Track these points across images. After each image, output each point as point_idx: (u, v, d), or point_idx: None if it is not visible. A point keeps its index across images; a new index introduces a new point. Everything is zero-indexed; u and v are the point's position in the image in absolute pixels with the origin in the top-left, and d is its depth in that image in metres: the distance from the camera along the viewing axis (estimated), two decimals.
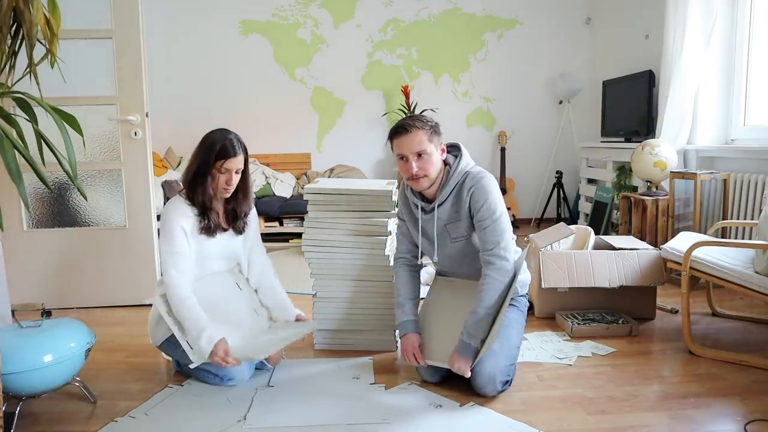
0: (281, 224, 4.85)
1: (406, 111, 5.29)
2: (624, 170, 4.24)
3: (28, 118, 1.83)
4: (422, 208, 2.06)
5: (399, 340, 2.35)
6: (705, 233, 3.21)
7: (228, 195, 2.06)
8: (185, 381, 2.08)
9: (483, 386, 1.88)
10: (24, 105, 1.82)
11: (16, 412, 1.75)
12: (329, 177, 5.11)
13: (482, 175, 1.98)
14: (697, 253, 2.28)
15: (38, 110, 1.85)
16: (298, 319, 2.23)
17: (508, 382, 1.94)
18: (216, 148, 1.97)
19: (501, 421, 1.76)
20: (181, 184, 2.07)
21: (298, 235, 4.59)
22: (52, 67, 1.88)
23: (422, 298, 2.21)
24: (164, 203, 4.14)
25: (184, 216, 1.99)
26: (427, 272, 3.43)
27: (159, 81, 5.03)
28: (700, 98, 3.59)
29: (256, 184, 5.06)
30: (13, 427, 1.72)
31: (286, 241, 4.80)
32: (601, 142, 4.79)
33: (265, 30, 5.39)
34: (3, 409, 1.63)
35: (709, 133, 3.63)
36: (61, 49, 1.98)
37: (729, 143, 3.59)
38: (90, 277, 3.02)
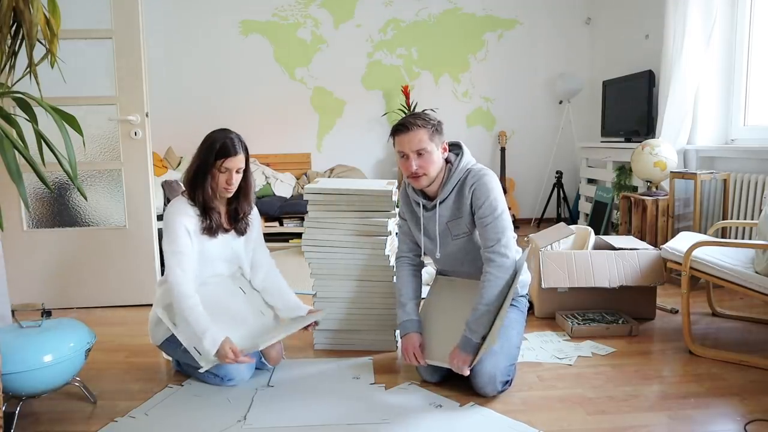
0: (281, 224, 4.85)
1: (406, 111, 5.29)
2: (624, 170, 4.24)
3: (28, 118, 1.83)
4: (424, 206, 2.07)
5: (399, 340, 2.36)
6: (705, 233, 3.21)
7: (229, 195, 2.05)
8: (185, 381, 2.08)
9: (483, 386, 1.88)
10: (24, 105, 1.82)
11: (16, 412, 1.75)
12: (329, 177, 5.11)
13: (484, 173, 1.98)
14: (697, 253, 2.28)
15: (38, 110, 1.85)
16: (310, 313, 2.22)
17: (508, 383, 1.94)
18: (216, 147, 1.96)
19: (501, 421, 1.76)
20: (182, 185, 2.07)
21: (298, 235, 4.59)
22: (52, 67, 1.88)
23: (423, 298, 2.21)
24: (164, 203, 4.16)
25: (186, 215, 1.98)
26: (427, 272, 3.43)
27: (159, 81, 5.03)
28: (700, 98, 3.59)
29: (256, 184, 5.06)
30: (13, 427, 1.72)
31: (286, 241, 4.80)
32: (601, 142, 4.79)
33: (265, 30, 5.39)
34: (3, 409, 1.63)
35: (709, 133, 3.63)
36: (61, 49, 1.98)
37: (729, 143, 3.59)
38: (90, 277, 3.02)
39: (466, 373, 1.87)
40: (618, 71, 4.68)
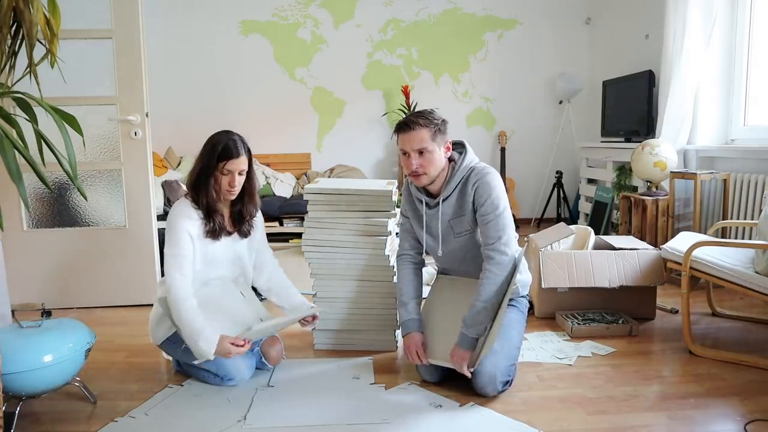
0: (281, 224, 4.85)
1: (406, 111, 5.29)
2: (624, 170, 4.24)
3: (28, 118, 1.83)
4: (426, 204, 2.07)
5: (399, 340, 2.36)
6: (705, 233, 3.21)
7: (232, 197, 2.04)
8: (185, 381, 2.08)
9: (483, 386, 1.88)
10: (24, 105, 1.82)
11: (16, 412, 1.75)
12: (329, 177, 5.11)
13: (487, 171, 1.99)
14: (697, 253, 2.28)
15: (38, 110, 1.85)
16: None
17: (508, 383, 1.94)
18: (218, 149, 1.96)
19: (501, 421, 1.76)
20: (185, 187, 2.06)
21: (298, 235, 4.59)
22: (52, 67, 1.88)
23: (423, 298, 2.21)
24: (164, 203, 4.17)
25: (189, 219, 1.98)
26: (428, 272, 3.43)
27: (159, 81, 5.03)
28: (700, 98, 3.59)
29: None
30: (13, 427, 1.72)
31: (286, 241, 4.80)
32: (601, 142, 4.79)
33: (265, 30, 5.39)
34: (3, 409, 1.63)
35: (709, 133, 3.63)
36: (61, 49, 1.98)
37: (729, 143, 3.59)
38: (90, 277, 3.02)
39: (467, 372, 1.87)
40: (618, 71, 4.68)
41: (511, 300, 2.14)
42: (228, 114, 5.33)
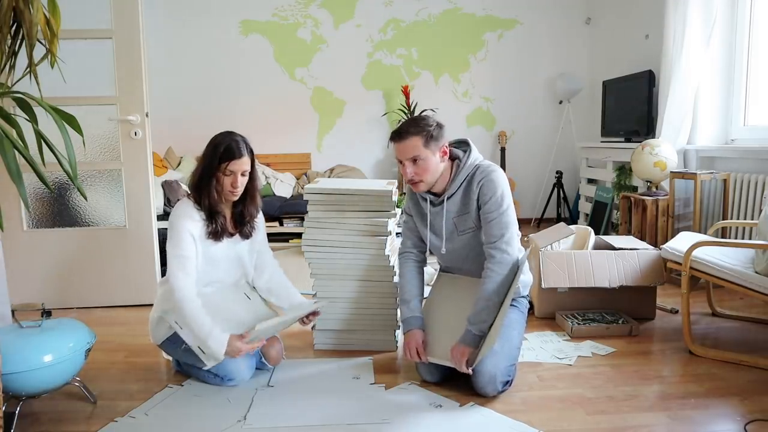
0: (281, 224, 4.85)
1: (406, 111, 5.30)
2: (624, 170, 4.24)
3: (28, 118, 1.83)
4: (431, 202, 2.08)
5: (399, 340, 2.36)
6: (705, 233, 3.22)
7: (235, 198, 2.03)
8: (185, 381, 2.08)
9: (484, 386, 1.88)
10: (24, 105, 1.82)
11: (16, 412, 1.75)
12: (329, 177, 5.11)
13: (492, 169, 2.00)
14: (697, 253, 2.28)
15: (38, 110, 1.85)
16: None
17: (508, 383, 1.94)
18: (220, 149, 1.96)
19: (501, 421, 1.76)
20: (188, 188, 2.06)
21: (298, 235, 4.59)
22: (52, 67, 1.88)
23: (424, 298, 2.21)
24: (164, 203, 4.17)
25: (191, 219, 1.98)
26: (428, 272, 3.43)
27: (159, 81, 5.03)
28: (700, 98, 3.59)
29: None
30: (13, 427, 1.72)
31: (286, 241, 4.81)
32: (601, 142, 4.79)
33: (265, 30, 5.39)
34: (3, 409, 1.63)
35: (709, 133, 3.63)
36: (61, 49, 1.98)
37: (729, 143, 3.59)
38: (90, 277, 3.02)
39: (466, 370, 1.87)
40: (618, 71, 4.68)
41: (512, 300, 2.15)
42: (228, 114, 5.33)
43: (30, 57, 1.76)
